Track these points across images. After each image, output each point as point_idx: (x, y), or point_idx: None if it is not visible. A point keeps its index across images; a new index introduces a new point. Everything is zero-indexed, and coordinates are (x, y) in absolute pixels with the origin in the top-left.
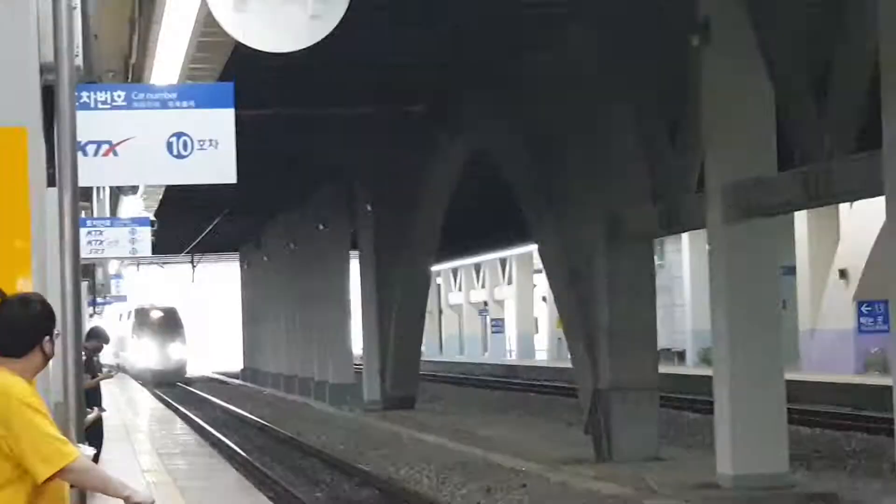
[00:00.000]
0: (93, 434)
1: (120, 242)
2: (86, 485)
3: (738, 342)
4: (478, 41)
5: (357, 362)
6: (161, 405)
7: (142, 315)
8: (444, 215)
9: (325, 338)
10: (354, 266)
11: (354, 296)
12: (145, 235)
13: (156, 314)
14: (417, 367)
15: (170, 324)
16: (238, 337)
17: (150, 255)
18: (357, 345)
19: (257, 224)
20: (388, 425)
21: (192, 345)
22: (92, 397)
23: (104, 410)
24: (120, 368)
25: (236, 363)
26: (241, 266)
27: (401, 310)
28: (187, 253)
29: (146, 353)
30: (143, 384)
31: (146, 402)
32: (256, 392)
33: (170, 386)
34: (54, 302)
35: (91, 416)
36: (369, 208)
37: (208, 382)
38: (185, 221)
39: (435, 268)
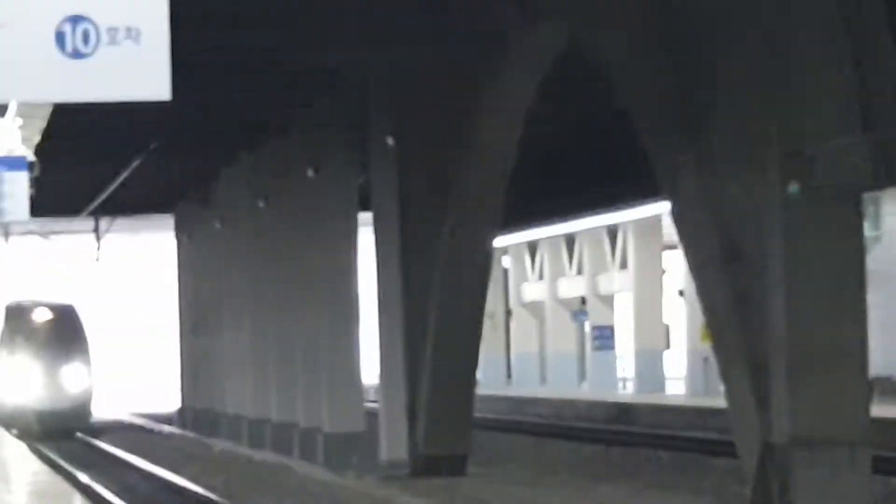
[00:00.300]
0: None
1: None
2: None
3: None
4: None
5: (371, 401)
6: (47, 469)
7: (17, 318)
8: (514, 155)
9: (317, 358)
10: (365, 238)
11: (364, 288)
12: (19, 186)
13: (41, 315)
14: (470, 407)
15: (65, 332)
16: (172, 355)
17: (27, 218)
18: (369, 370)
19: (204, 168)
20: None
21: (98, 367)
22: None
23: None
24: None
25: (168, 398)
26: (178, 237)
27: (443, 312)
28: (89, 215)
29: (24, 382)
30: (18, 435)
31: (22, 464)
32: (202, 447)
33: (64, 437)
34: None
35: None
36: (391, 142)
37: (124, 431)
38: (86, 164)
39: (500, 241)
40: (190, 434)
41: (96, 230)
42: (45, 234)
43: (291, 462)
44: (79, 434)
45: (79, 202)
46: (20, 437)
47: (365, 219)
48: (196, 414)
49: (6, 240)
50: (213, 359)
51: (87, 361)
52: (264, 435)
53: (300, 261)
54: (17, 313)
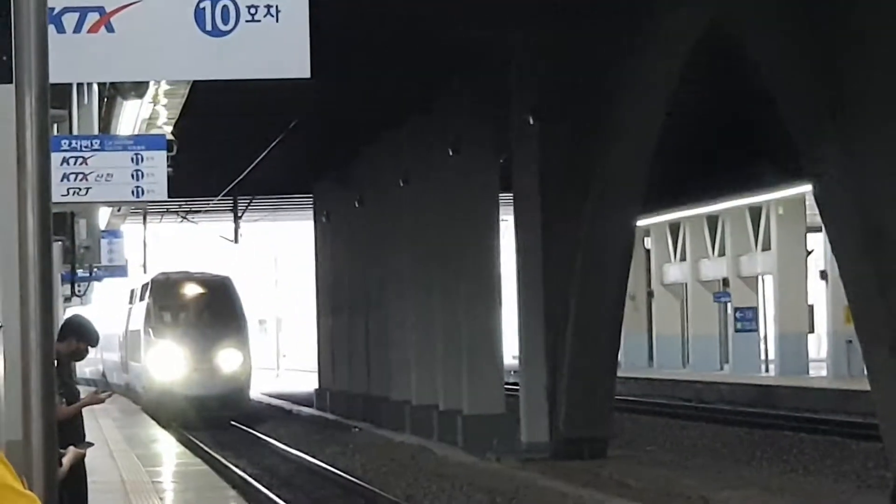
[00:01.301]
0: (72, 490)
1: (116, 177)
2: None
3: None
4: None
5: (510, 383)
6: (188, 452)
7: (165, 292)
8: (657, 136)
9: (458, 339)
10: (506, 220)
11: (503, 269)
12: (158, 166)
13: (193, 289)
14: (612, 390)
15: (220, 307)
16: (309, 336)
17: (166, 199)
18: (509, 352)
19: (344, 147)
20: (563, 487)
21: (255, 348)
22: (68, 433)
23: (91, 445)
24: (124, 389)
25: (306, 379)
26: (317, 218)
27: (584, 293)
28: (226, 196)
29: (175, 364)
30: (167, 423)
31: (162, 444)
32: (341, 428)
33: (219, 427)
34: (5, 273)
35: (69, 459)
36: (532, 121)
37: (261, 411)
38: (224, 143)
39: (642, 222)
40: (326, 415)
41: (234, 211)
42: (181, 215)
43: (431, 444)
44: (234, 422)
45: (217, 182)
46: (168, 425)
47: (505, 200)
48: (333, 396)
49: (144, 223)
50: (351, 340)
51: (244, 341)
52: (400, 416)
53: (440, 241)
54: (166, 287)
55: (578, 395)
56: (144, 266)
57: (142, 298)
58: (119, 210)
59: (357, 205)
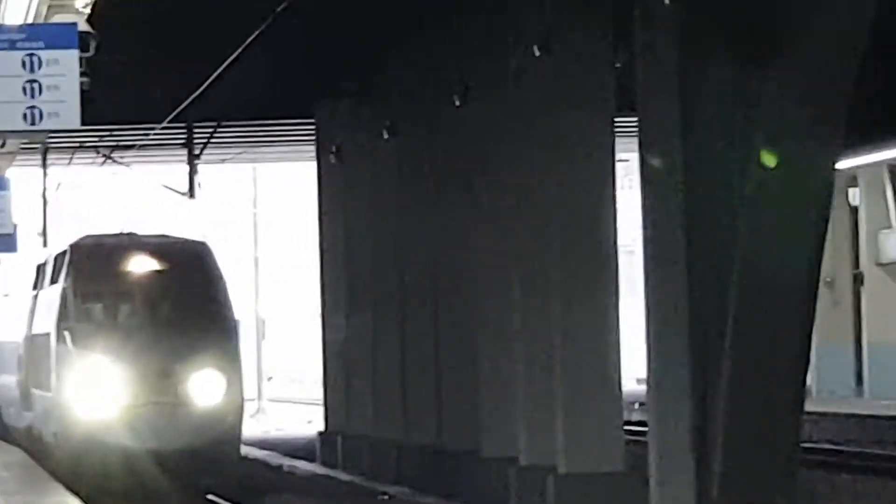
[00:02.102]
0: None
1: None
2: None
3: None
4: None
5: (632, 423)
6: None
7: (95, 267)
8: (866, 34)
9: (549, 353)
10: (626, 160)
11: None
12: (67, 75)
13: (143, 265)
14: (797, 433)
15: (191, 297)
16: (308, 348)
17: (79, 127)
18: (629, 373)
19: (368, 48)
20: None
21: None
22: None
23: None
24: (23, 435)
25: (301, 415)
26: (321, 157)
27: (749, 277)
28: (176, 123)
29: (110, 394)
30: (94, 497)
31: None
32: (363, 495)
33: (191, 494)
34: None
35: None
36: (667, 1)
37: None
38: (175, 40)
39: (845, 163)
40: (337, 474)
41: (188, 145)
42: (99, 152)
43: None
44: (211, 496)
45: (162, 101)
46: (95, 501)
47: (625, 129)
48: (350, 442)
49: (44, 165)
50: (376, 353)
51: (232, 354)
52: (456, 476)
53: (517, 193)
54: (95, 259)
55: (740, 440)
56: (44, 234)
57: (53, 280)
58: (3, 145)
59: (386, 135)
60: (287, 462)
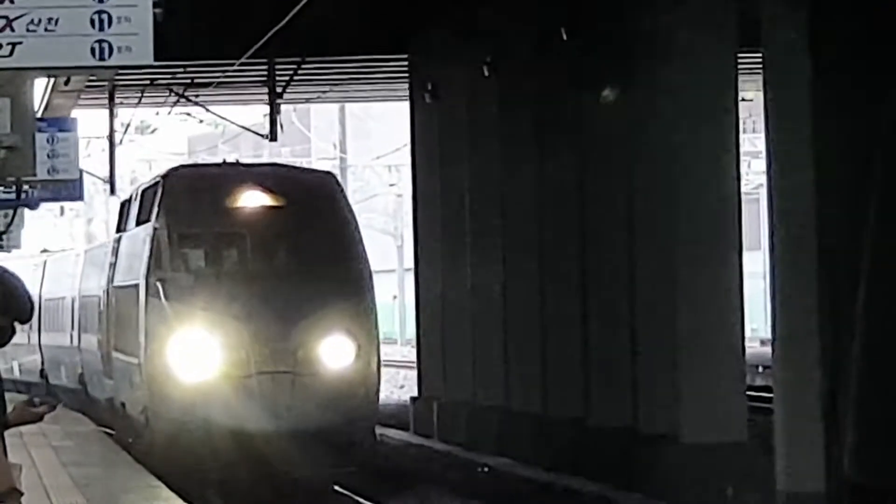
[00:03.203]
0: None
1: (64, 24)
2: None
3: None
4: None
5: (754, 388)
6: None
7: (195, 204)
8: None
9: (664, 315)
10: (749, 98)
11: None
12: (139, 5)
13: (256, 201)
14: None
15: (315, 242)
16: (401, 303)
17: (151, 63)
18: (752, 333)
19: None
20: None
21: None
22: None
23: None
24: (104, 410)
25: (394, 378)
26: (414, 96)
27: (885, 227)
28: (256, 59)
29: (216, 364)
30: (195, 490)
31: None
32: (460, 463)
33: (311, 491)
34: None
35: None
36: None
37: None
38: None
39: None
40: (439, 446)
41: (270, 84)
42: (172, 92)
43: (615, 494)
44: (338, 487)
45: (241, 35)
46: (196, 494)
47: (749, 63)
48: (444, 409)
49: (111, 106)
50: (476, 313)
51: (365, 312)
52: (563, 445)
53: (630, 136)
54: (195, 194)
55: (877, 409)
56: (111, 181)
57: (141, 220)
58: (68, 83)
59: (487, 72)
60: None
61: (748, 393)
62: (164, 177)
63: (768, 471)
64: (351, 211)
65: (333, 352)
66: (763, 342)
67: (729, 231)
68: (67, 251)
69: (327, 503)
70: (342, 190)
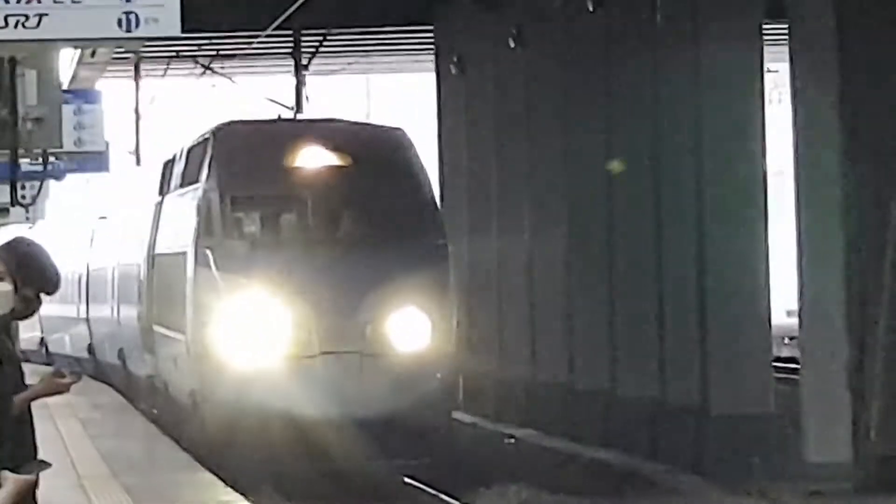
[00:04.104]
0: None
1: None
2: None
3: None
4: None
5: (781, 359)
6: None
7: (250, 163)
8: None
9: (685, 281)
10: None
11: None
12: None
13: (320, 159)
14: None
15: (387, 205)
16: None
17: (179, 35)
18: (778, 304)
19: None
20: None
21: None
22: (7, 444)
23: (46, 466)
24: (146, 390)
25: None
26: (441, 69)
27: None
28: (281, 31)
29: (274, 341)
30: (249, 479)
31: None
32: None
33: (378, 485)
34: None
35: (8, 490)
36: None
37: None
38: None
39: None
40: (465, 418)
41: (296, 56)
42: (206, 65)
43: (641, 464)
44: (408, 479)
45: (266, 5)
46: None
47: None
48: (467, 381)
49: (136, 77)
50: (500, 283)
51: (442, 283)
52: (591, 416)
53: (657, 108)
54: (255, 153)
55: None
56: (137, 153)
57: (189, 181)
58: (93, 54)
59: (513, 44)
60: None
61: (775, 364)
62: (215, 132)
63: (795, 442)
64: (424, 171)
65: (407, 328)
66: (789, 313)
67: (755, 201)
68: (121, 214)
69: (398, 498)
70: (415, 147)
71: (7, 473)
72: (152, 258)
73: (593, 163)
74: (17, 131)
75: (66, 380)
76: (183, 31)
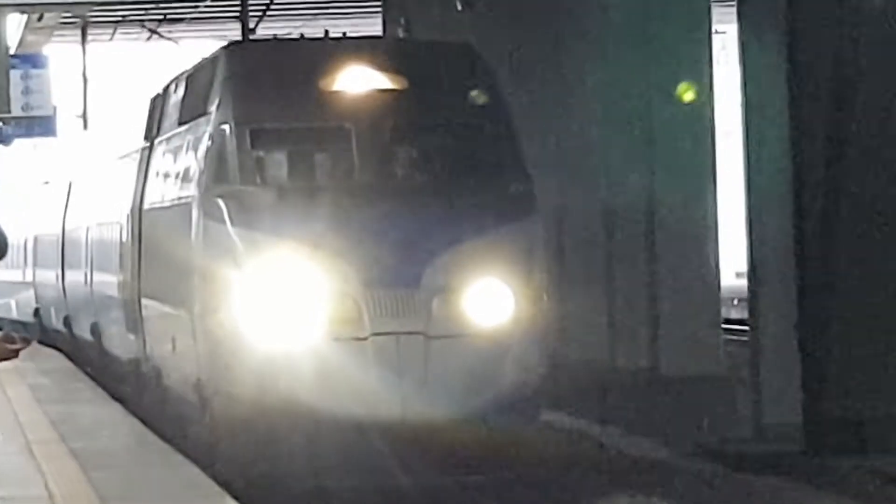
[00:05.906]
0: None
1: None
2: None
3: None
4: None
5: (732, 321)
6: None
7: (272, 87)
8: None
9: (635, 239)
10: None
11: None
12: None
13: (361, 78)
14: None
15: (455, 143)
16: None
17: None
18: (728, 266)
19: None
20: None
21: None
22: None
23: None
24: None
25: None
26: (389, 32)
27: (864, 146)
28: None
29: (307, 320)
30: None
31: None
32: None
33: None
34: None
35: None
36: None
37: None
38: None
39: None
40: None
41: (243, 18)
42: (153, 29)
43: (592, 428)
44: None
45: None
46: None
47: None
48: None
49: (85, 38)
50: None
51: (528, 250)
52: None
53: (605, 68)
54: (279, 75)
55: (858, 341)
56: (84, 117)
57: (190, 115)
58: (40, 19)
59: (460, 6)
60: None
61: (725, 326)
62: (227, 51)
63: (745, 403)
64: (502, 96)
65: (483, 303)
66: (738, 275)
67: (703, 161)
68: (79, 172)
69: None
70: (489, 65)
71: None
72: (138, 214)
73: (543, 124)
74: None
75: (17, 345)
76: None
